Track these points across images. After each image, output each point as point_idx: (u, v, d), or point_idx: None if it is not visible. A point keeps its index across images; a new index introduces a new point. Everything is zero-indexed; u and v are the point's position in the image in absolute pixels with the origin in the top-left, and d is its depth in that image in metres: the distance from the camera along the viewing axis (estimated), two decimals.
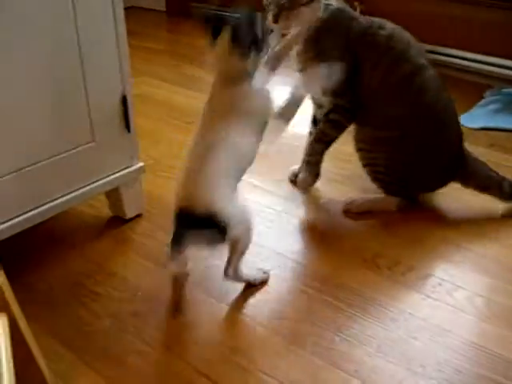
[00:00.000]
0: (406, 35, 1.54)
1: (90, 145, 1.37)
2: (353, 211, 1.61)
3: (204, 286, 1.33)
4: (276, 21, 1.47)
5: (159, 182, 1.75)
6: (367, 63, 1.52)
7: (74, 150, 1.34)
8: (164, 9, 3.72)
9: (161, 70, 2.72)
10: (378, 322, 1.22)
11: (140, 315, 1.25)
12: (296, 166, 1.74)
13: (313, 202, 1.70)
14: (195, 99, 2.23)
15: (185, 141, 1.92)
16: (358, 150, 1.62)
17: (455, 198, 1.65)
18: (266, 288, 1.32)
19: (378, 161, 1.59)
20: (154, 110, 2.25)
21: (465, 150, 1.60)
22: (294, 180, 1.75)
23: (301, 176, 1.68)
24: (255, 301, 1.28)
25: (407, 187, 1.61)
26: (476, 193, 1.59)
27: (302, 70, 1.58)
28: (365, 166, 1.62)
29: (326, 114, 1.60)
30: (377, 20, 1.55)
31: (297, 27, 1.52)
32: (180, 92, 2.43)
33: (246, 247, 1.25)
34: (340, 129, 1.61)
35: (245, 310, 1.26)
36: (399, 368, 1.11)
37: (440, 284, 1.33)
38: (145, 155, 1.79)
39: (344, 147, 1.71)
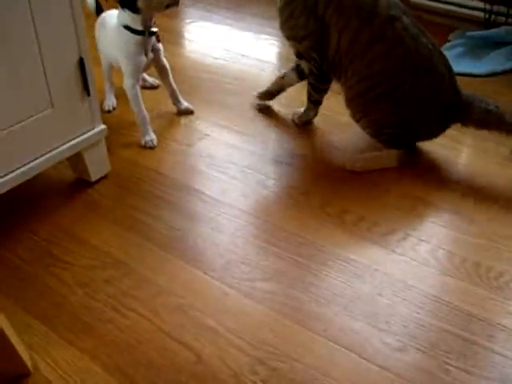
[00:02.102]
0: None
1: (48, 111, 1.34)
2: (357, 170, 1.62)
3: (174, 249, 1.34)
4: None
5: (122, 140, 1.72)
6: (336, 26, 1.55)
7: (32, 118, 1.31)
8: None
9: None
10: (345, 280, 1.25)
11: (111, 282, 1.25)
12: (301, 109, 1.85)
13: (281, 155, 1.70)
14: None
15: (148, 95, 1.92)
16: (350, 107, 1.64)
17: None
18: (232, 248, 1.34)
19: (372, 116, 1.61)
20: None
21: (459, 89, 1.59)
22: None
23: (297, 112, 1.84)
24: (224, 262, 1.30)
25: (406, 137, 1.63)
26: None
27: (280, 28, 1.70)
28: (359, 120, 1.64)
29: (308, 78, 1.74)
30: None
31: None
32: None
33: None
34: (320, 92, 1.75)
35: (212, 273, 1.27)
36: (366, 325, 1.15)
37: (404, 238, 1.36)
38: (106, 114, 1.77)
39: None
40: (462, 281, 1.25)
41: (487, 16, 2.45)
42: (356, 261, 1.30)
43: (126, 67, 1.65)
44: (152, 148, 1.69)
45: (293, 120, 1.84)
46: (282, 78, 1.85)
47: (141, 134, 1.70)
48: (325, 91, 1.76)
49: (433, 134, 1.64)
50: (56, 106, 1.35)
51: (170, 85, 1.82)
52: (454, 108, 1.58)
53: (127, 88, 1.67)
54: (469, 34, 2.30)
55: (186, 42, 2.44)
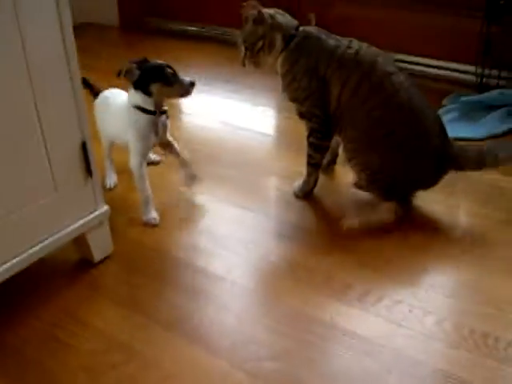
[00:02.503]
0: (373, 49, 1.66)
1: (52, 195, 1.35)
2: (353, 228, 1.67)
3: (180, 329, 1.33)
4: (243, 65, 1.75)
5: (124, 219, 1.73)
6: (336, 82, 1.63)
7: (36, 203, 1.32)
8: (117, 24, 3.68)
9: None
10: (353, 357, 1.24)
11: (116, 367, 1.24)
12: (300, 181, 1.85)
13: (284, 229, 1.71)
14: None
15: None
16: (348, 159, 1.71)
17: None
18: (238, 327, 1.33)
19: (365, 159, 1.67)
20: None
21: (450, 141, 1.66)
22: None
23: (296, 184, 1.84)
24: (230, 342, 1.29)
25: (399, 187, 1.68)
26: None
27: (283, 92, 1.76)
28: (351, 161, 1.70)
29: (307, 138, 1.76)
30: (344, 40, 1.67)
31: (265, 65, 1.74)
32: None
33: None
34: (321, 150, 1.78)
35: (219, 354, 1.26)
36: None
37: (410, 311, 1.36)
38: (107, 192, 1.79)
39: None
40: (471, 352, 1.24)
41: (479, 79, 2.51)
42: (363, 337, 1.29)
43: (135, 147, 1.65)
44: (155, 226, 1.69)
45: (294, 193, 1.84)
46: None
47: (143, 212, 1.71)
48: (326, 149, 1.79)
49: (426, 184, 1.68)
50: (59, 190, 1.36)
51: (179, 155, 1.80)
52: (447, 158, 1.64)
53: (134, 167, 1.67)
54: (463, 99, 2.34)
55: (184, 116, 2.49)
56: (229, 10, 3.31)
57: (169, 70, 1.61)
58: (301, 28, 1.71)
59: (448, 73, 2.68)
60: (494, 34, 2.43)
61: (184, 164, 1.81)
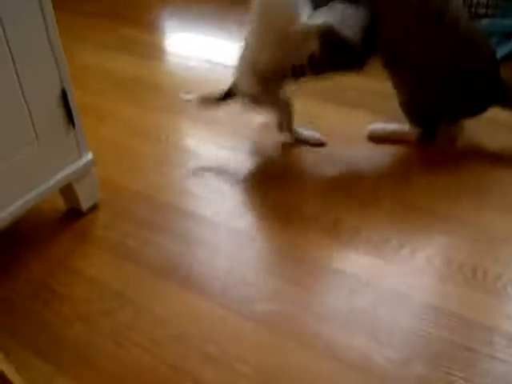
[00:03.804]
0: None
1: (34, 146, 1.33)
2: (374, 138, 1.75)
3: (171, 275, 1.34)
4: None
5: (110, 165, 1.72)
6: (391, 11, 1.56)
7: (18, 155, 1.30)
8: None
9: (103, 36, 2.60)
10: (343, 295, 1.25)
11: (110, 314, 1.25)
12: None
13: (273, 170, 1.70)
14: (138, 67, 2.18)
15: (131, 116, 1.91)
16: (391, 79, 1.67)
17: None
18: (228, 270, 1.34)
19: (412, 87, 1.65)
20: (98, 82, 2.19)
21: (500, 74, 1.65)
22: None
23: None
24: (221, 285, 1.30)
25: (435, 116, 1.69)
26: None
27: None
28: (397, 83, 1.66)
29: None
30: None
31: None
32: (123, 59, 2.35)
33: None
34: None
35: (211, 297, 1.27)
36: (366, 340, 1.15)
37: (401, 247, 1.36)
38: (92, 138, 1.76)
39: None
40: (460, 286, 1.25)
41: (468, 8, 2.45)
42: (352, 274, 1.30)
43: None
44: None
45: None
46: None
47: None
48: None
49: (472, 112, 1.68)
50: (41, 140, 1.34)
51: None
52: (495, 90, 1.64)
53: None
54: None
55: (168, 57, 2.43)
56: None
57: None
58: None
59: None
60: None
61: None
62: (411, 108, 1.69)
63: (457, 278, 1.27)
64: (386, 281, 1.28)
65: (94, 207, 1.55)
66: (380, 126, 1.77)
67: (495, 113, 1.65)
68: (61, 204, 1.56)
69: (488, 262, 1.31)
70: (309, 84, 1.71)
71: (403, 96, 1.67)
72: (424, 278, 1.28)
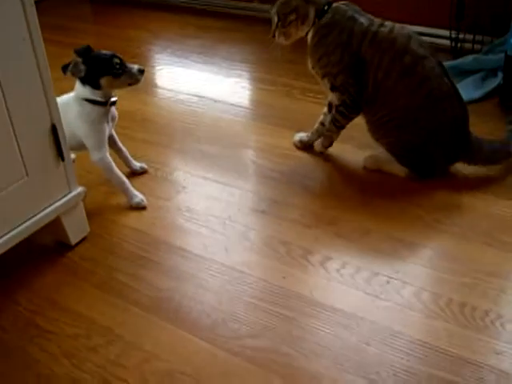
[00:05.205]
0: (406, 30, 1.68)
1: (23, 181, 1.33)
2: (367, 167, 1.81)
3: (159, 310, 1.33)
4: (273, 36, 1.77)
5: (99, 198, 1.72)
6: (372, 60, 1.66)
7: (7, 189, 1.30)
8: None
9: None
10: (332, 331, 1.25)
11: (97, 350, 1.24)
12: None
13: (261, 204, 1.71)
14: (127, 100, 2.19)
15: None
16: (369, 130, 1.77)
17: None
18: (218, 306, 1.33)
19: (390, 139, 1.73)
20: None
21: (469, 131, 1.72)
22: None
23: (318, 141, 1.90)
24: (210, 321, 1.29)
25: (417, 162, 1.74)
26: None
27: (313, 68, 1.78)
28: (377, 140, 1.76)
29: (337, 106, 1.78)
30: (376, 19, 1.71)
31: (294, 38, 1.77)
32: None
33: None
34: (348, 119, 1.80)
35: (200, 334, 1.26)
36: (356, 378, 1.14)
37: (388, 282, 1.37)
38: (81, 170, 1.76)
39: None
40: (449, 323, 1.26)
41: (453, 44, 2.51)
42: (342, 310, 1.30)
43: (92, 139, 1.61)
44: (144, 208, 1.67)
45: (315, 148, 1.91)
46: (323, 125, 1.89)
47: (128, 198, 1.68)
48: (351, 119, 1.81)
49: (440, 166, 1.74)
50: (31, 175, 1.34)
51: (120, 148, 1.78)
52: (463, 147, 1.70)
53: (98, 161, 1.62)
54: None
55: (158, 90, 2.45)
56: None
57: (116, 61, 1.56)
58: (334, 4, 1.73)
59: (423, 38, 2.65)
60: None
61: (126, 158, 1.80)
62: (393, 150, 1.74)
63: (445, 314, 1.28)
64: (375, 316, 1.28)
65: (83, 240, 1.55)
66: (374, 156, 1.81)
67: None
68: (49, 238, 1.55)
69: (476, 297, 1.32)
70: None
71: (384, 138, 1.74)
72: (412, 313, 1.29)
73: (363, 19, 1.69)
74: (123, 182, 1.66)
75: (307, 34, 1.75)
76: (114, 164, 1.65)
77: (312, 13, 1.71)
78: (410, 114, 1.66)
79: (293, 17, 1.71)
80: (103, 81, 1.56)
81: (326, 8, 1.71)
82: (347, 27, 1.68)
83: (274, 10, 1.75)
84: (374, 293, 1.34)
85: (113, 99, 1.63)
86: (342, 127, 1.82)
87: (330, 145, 1.88)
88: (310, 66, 1.78)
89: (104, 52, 1.58)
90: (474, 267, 1.41)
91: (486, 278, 1.37)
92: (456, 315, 1.27)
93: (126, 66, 1.58)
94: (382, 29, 1.66)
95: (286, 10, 1.72)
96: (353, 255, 1.46)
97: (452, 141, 1.69)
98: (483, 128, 1.89)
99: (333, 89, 1.76)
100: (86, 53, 1.56)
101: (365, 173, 1.81)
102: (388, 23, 1.69)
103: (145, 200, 1.68)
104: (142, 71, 1.60)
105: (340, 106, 1.77)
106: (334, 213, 1.63)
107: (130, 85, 1.61)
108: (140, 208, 1.67)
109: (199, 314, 1.31)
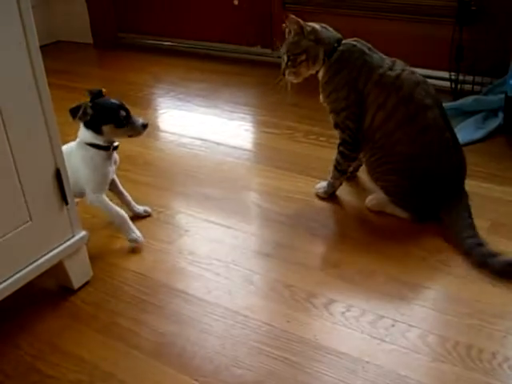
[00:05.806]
0: (416, 75, 1.69)
1: (27, 225, 1.33)
2: (371, 209, 1.81)
3: (162, 355, 1.31)
4: (283, 74, 1.80)
5: (102, 242, 1.72)
6: (374, 102, 1.67)
7: (10, 233, 1.30)
8: (91, 41, 3.66)
9: None
10: (337, 375, 1.23)
11: None
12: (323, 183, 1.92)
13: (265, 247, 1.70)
14: (130, 143, 2.21)
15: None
16: (367, 172, 1.79)
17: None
18: (221, 351, 1.32)
19: (385, 182, 1.74)
20: None
21: (463, 187, 1.73)
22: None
23: (322, 188, 1.90)
24: (213, 366, 1.27)
25: (414, 206, 1.74)
26: None
27: (324, 102, 1.80)
28: (375, 181, 1.78)
29: (338, 146, 1.81)
30: (388, 59, 1.72)
31: (304, 76, 1.80)
32: None
33: None
34: (348, 159, 1.82)
35: (203, 379, 1.24)
36: None
37: (393, 325, 1.36)
38: (85, 214, 1.76)
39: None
40: (456, 366, 1.24)
41: (454, 85, 2.53)
42: (347, 354, 1.28)
43: (93, 183, 1.62)
44: (139, 244, 1.68)
45: (317, 194, 1.90)
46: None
47: (125, 235, 1.68)
48: (353, 160, 1.83)
49: (437, 210, 1.71)
50: (34, 219, 1.35)
51: (122, 192, 1.79)
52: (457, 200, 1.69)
53: (96, 202, 1.64)
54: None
55: (160, 133, 2.47)
56: (200, 24, 3.35)
57: (122, 113, 1.59)
58: (343, 41, 1.75)
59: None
60: (466, 39, 2.46)
61: (128, 202, 1.81)
62: (390, 193, 1.75)
63: (452, 357, 1.26)
64: (381, 360, 1.26)
65: (86, 284, 1.54)
66: (377, 198, 1.80)
67: None
68: (51, 281, 1.54)
69: (482, 339, 1.30)
70: None
71: (381, 180, 1.75)
72: (418, 356, 1.27)
73: (373, 58, 1.70)
74: (122, 216, 1.67)
75: (317, 72, 1.78)
76: (110, 203, 1.66)
77: (322, 53, 1.74)
78: (407, 161, 1.66)
79: (303, 57, 1.74)
80: (105, 128, 1.59)
81: (335, 46, 1.73)
82: (357, 64, 1.70)
83: (283, 50, 1.78)
84: (379, 336, 1.33)
85: (115, 144, 1.65)
86: (344, 172, 1.84)
87: (333, 194, 1.89)
88: (321, 99, 1.80)
89: (112, 100, 1.61)
90: (479, 308, 1.39)
91: (491, 320, 1.36)
92: (463, 358, 1.25)
93: (130, 118, 1.61)
94: (390, 72, 1.67)
95: (296, 50, 1.74)
96: (357, 298, 1.45)
97: (447, 188, 1.69)
98: (487, 168, 1.92)
99: (335, 126, 1.78)
100: (96, 96, 1.60)
101: (368, 214, 1.80)
102: (398, 65, 1.70)
103: (141, 237, 1.67)
104: (145, 126, 1.63)
105: (340, 146, 1.79)
106: (338, 255, 1.62)
107: (130, 136, 1.63)
108: (136, 245, 1.67)
109: (202, 359, 1.29)
